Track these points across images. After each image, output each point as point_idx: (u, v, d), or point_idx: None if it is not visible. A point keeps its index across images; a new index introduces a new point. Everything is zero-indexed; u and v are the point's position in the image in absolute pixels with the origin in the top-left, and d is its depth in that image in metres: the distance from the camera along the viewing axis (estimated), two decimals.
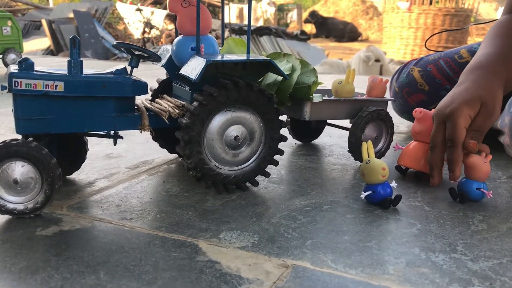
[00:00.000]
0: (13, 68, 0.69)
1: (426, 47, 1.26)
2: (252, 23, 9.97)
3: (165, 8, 8.52)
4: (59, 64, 0.79)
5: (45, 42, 6.18)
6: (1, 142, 0.66)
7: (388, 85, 1.06)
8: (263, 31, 7.43)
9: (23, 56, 0.70)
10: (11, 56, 2.58)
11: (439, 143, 0.82)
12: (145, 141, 1.10)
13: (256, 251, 0.61)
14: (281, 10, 13.21)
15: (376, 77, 1.01)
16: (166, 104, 0.79)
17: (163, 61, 0.85)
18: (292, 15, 13.21)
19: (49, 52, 5.99)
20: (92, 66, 2.83)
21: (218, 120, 0.75)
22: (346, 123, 1.02)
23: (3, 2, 7.88)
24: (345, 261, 0.59)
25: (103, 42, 6.14)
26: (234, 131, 0.77)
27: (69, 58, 0.70)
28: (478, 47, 1.18)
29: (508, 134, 0.99)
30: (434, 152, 0.82)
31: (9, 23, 2.62)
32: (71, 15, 6.29)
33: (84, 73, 0.71)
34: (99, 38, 6.20)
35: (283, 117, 1.13)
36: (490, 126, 0.81)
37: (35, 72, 0.68)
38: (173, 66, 0.83)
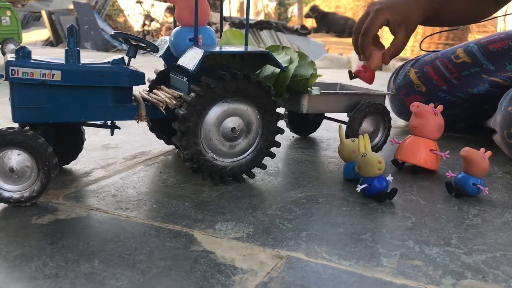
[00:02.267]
0: (10, 56, 0.69)
1: (421, 48, 1.27)
2: (253, 17, 9.95)
3: (165, 1, 8.49)
4: (58, 55, 0.79)
5: (44, 33, 6.16)
6: None
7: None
8: (264, 25, 7.41)
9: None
10: (10, 46, 2.57)
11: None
12: (142, 132, 1.10)
13: (250, 241, 0.61)
14: (282, 4, 13.17)
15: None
16: (163, 95, 0.79)
17: (161, 52, 0.84)
18: (293, 10, 13.18)
19: (48, 43, 5.97)
20: (91, 58, 2.83)
21: (215, 112, 0.75)
22: (344, 116, 1.02)
23: None
24: (339, 253, 0.59)
25: (103, 34, 6.13)
26: (231, 122, 0.77)
27: (67, 47, 0.70)
28: (475, 46, 1.18)
29: (500, 132, 0.99)
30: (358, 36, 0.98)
31: (8, 13, 2.61)
32: (71, 6, 6.27)
33: (81, 62, 0.71)
34: (99, 30, 6.18)
35: (281, 110, 1.13)
36: (405, 45, 0.98)
37: (32, 61, 0.68)
38: (171, 57, 0.83)
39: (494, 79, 1.16)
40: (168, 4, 7.08)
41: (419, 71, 1.24)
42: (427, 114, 0.88)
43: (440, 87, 1.20)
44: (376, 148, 0.99)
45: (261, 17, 11.03)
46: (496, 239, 0.64)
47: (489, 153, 0.80)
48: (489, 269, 0.56)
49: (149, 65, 2.23)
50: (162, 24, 7.37)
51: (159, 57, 0.85)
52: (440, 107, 0.90)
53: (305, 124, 1.14)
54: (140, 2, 7.56)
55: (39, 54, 0.72)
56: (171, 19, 7.63)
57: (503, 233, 0.66)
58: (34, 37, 6.06)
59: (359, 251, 0.60)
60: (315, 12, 11.72)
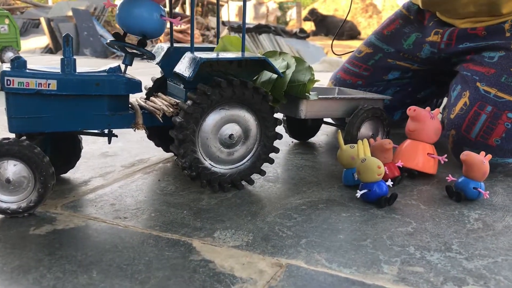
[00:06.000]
0: (6, 66, 0.68)
1: (334, 53, 1.32)
2: (252, 21, 9.96)
3: (164, 6, 8.49)
4: (57, 63, 0.79)
5: (43, 40, 6.16)
6: None
7: None
8: (262, 29, 7.41)
9: (20, 54, 0.69)
10: (9, 54, 2.58)
11: None
12: (140, 140, 1.10)
13: (250, 250, 0.60)
14: (280, 8, 13.19)
15: None
16: (160, 103, 0.79)
17: (158, 59, 0.84)
18: (292, 13, 13.20)
19: (47, 50, 5.97)
20: (90, 65, 2.82)
21: (212, 119, 0.75)
22: (343, 121, 1.01)
23: (1, 0, 7.87)
24: (340, 260, 0.58)
25: (102, 41, 6.13)
26: (229, 129, 0.76)
27: (62, 56, 0.70)
28: (372, 36, 1.24)
29: (445, 132, 0.99)
30: None
31: (7, 21, 2.62)
32: (70, 13, 6.28)
33: (77, 71, 0.71)
34: (98, 36, 6.19)
35: (280, 115, 1.13)
36: None
37: (27, 71, 0.68)
38: (168, 64, 0.83)
39: (401, 63, 1.19)
40: (166, 9, 7.09)
41: (334, 79, 1.27)
42: (424, 118, 0.88)
43: (355, 83, 1.23)
44: None
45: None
46: (497, 244, 0.64)
47: (489, 156, 0.79)
48: (491, 275, 0.56)
49: (146, 71, 2.23)
50: None
51: (156, 64, 0.85)
52: (437, 111, 0.90)
53: (304, 129, 1.13)
54: None
55: (38, 61, 0.72)
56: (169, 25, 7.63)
57: (504, 238, 0.65)
58: (33, 44, 6.07)
59: (359, 258, 0.59)
60: (313, 15, 11.73)
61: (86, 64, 0.83)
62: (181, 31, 6.01)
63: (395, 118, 1.26)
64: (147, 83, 0.89)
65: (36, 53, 5.20)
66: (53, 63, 2.87)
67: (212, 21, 7.15)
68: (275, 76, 0.86)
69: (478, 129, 0.92)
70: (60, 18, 6.23)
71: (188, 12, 8.20)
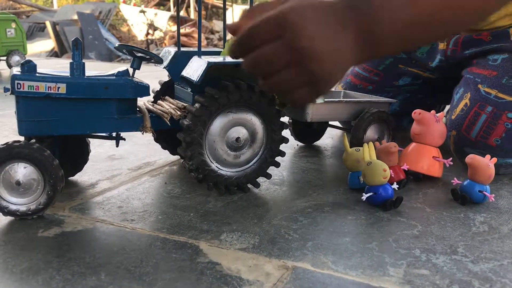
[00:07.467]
0: (16, 70, 0.69)
1: None
2: None
3: (168, 10, 8.54)
4: (63, 66, 0.80)
5: (49, 44, 6.20)
6: (3, 144, 0.67)
7: None
8: None
9: (27, 58, 0.70)
10: (15, 58, 2.59)
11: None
12: (147, 143, 1.11)
13: (256, 252, 0.61)
14: None
15: None
16: (167, 106, 0.80)
17: (165, 63, 0.85)
18: None
19: (53, 54, 6.01)
20: (95, 68, 2.84)
21: (219, 122, 0.76)
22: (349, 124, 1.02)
23: (7, 4, 7.92)
24: (346, 263, 0.59)
25: (107, 44, 6.16)
26: (236, 132, 0.77)
27: (71, 60, 0.71)
28: None
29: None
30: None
31: (13, 25, 2.63)
32: (75, 17, 6.32)
33: (86, 75, 0.72)
34: (103, 39, 6.22)
35: (286, 119, 1.13)
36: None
37: (37, 74, 0.69)
38: (175, 68, 0.83)
39: (413, 70, 1.19)
40: (171, 13, 7.12)
41: (344, 83, 1.26)
42: (429, 121, 0.88)
43: (365, 88, 1.22)
44: None
45: None
46: (503, 247, 0.64)
47: (494, 159, 0.79)
48: (497, 278, 0.56)
49: (153, 74, 2.24)
50: (166, 33, 7.41)
51: (163, 68, 0.85)
52: (442, 114, 0.90)
53: (310, 132, 1.14)
54: (144, 12, 7.61)
55: (44, 65, 0.73)
56: (174, 28, 7.67)
57: (510, 241, 0.66)
58: (39, 48, 6.10)
59: (365, 260, 0.59)
60: None
61: (91, 67, 0.83)
62: (185, 35, 6.03)
63: (403, 124, 1.26)
64: (154, 85, 0.90)
65: (42, 56, 5.23)
66: (58, 66, 2.89)
67: (216, 24, 7.17)
68: None
69: (478, 129, 0.92)
70: (66, 22, 6.26)
71: (192, 16, 8.23)
